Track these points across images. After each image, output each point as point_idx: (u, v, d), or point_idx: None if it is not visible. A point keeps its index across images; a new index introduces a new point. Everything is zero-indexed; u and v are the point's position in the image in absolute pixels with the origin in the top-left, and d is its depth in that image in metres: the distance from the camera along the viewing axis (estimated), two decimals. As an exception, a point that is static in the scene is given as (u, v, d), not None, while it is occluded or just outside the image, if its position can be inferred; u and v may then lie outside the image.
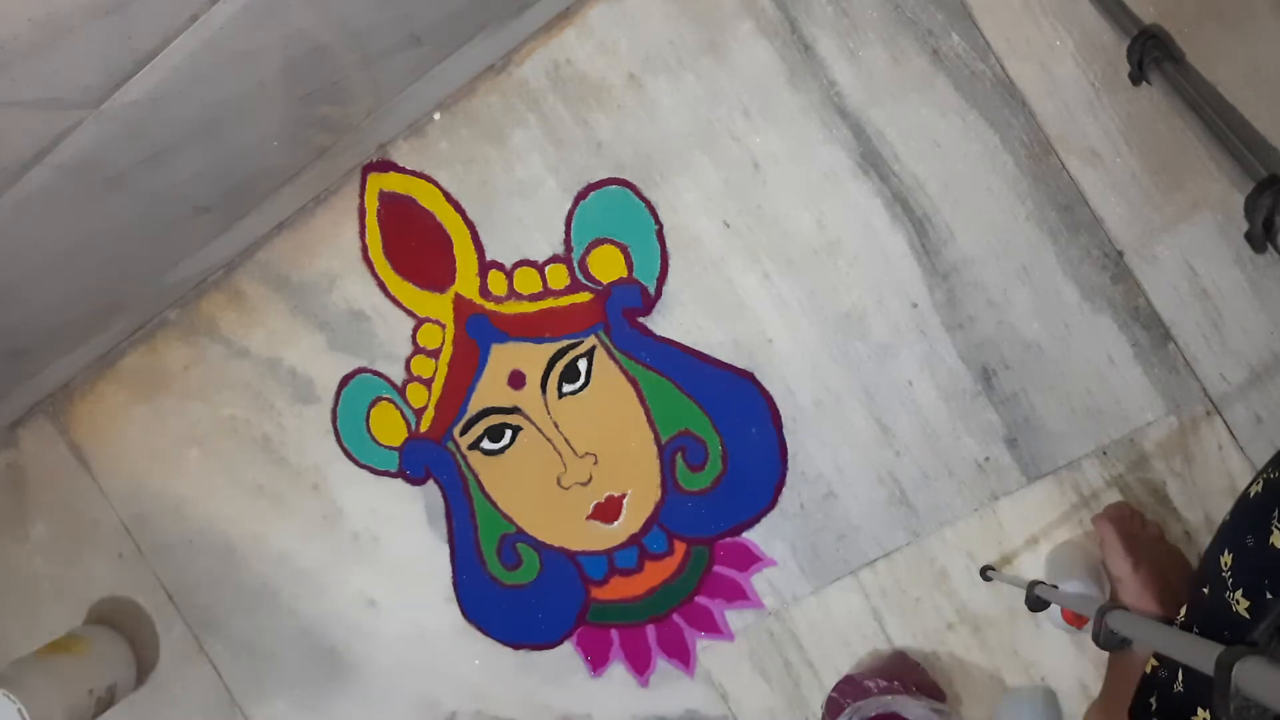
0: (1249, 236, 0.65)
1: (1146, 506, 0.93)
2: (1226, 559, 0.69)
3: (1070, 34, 0.88)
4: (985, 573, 0.95)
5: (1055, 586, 0.83)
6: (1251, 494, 0.68)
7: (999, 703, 0.97)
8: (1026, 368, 0.94)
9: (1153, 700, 0.74)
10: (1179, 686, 0.71)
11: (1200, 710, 0.67)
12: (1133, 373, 0.91)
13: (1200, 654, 0.55)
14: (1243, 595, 0.66)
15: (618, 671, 1.09)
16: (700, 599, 1.05)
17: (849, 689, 0.93)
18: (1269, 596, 0.63)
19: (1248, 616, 0.65)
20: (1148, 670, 0.76)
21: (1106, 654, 0.83)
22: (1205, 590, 0.69)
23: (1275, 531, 0.64)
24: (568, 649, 1.10)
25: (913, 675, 0.97)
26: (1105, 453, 0.93)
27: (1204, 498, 0.91)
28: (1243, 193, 0.65)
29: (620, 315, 1.02)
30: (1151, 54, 0.80)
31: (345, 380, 1.12)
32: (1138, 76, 0.83)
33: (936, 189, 0.93)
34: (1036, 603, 0.82)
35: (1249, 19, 0.85)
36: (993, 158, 0.91)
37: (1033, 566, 0.96)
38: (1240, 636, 0.65)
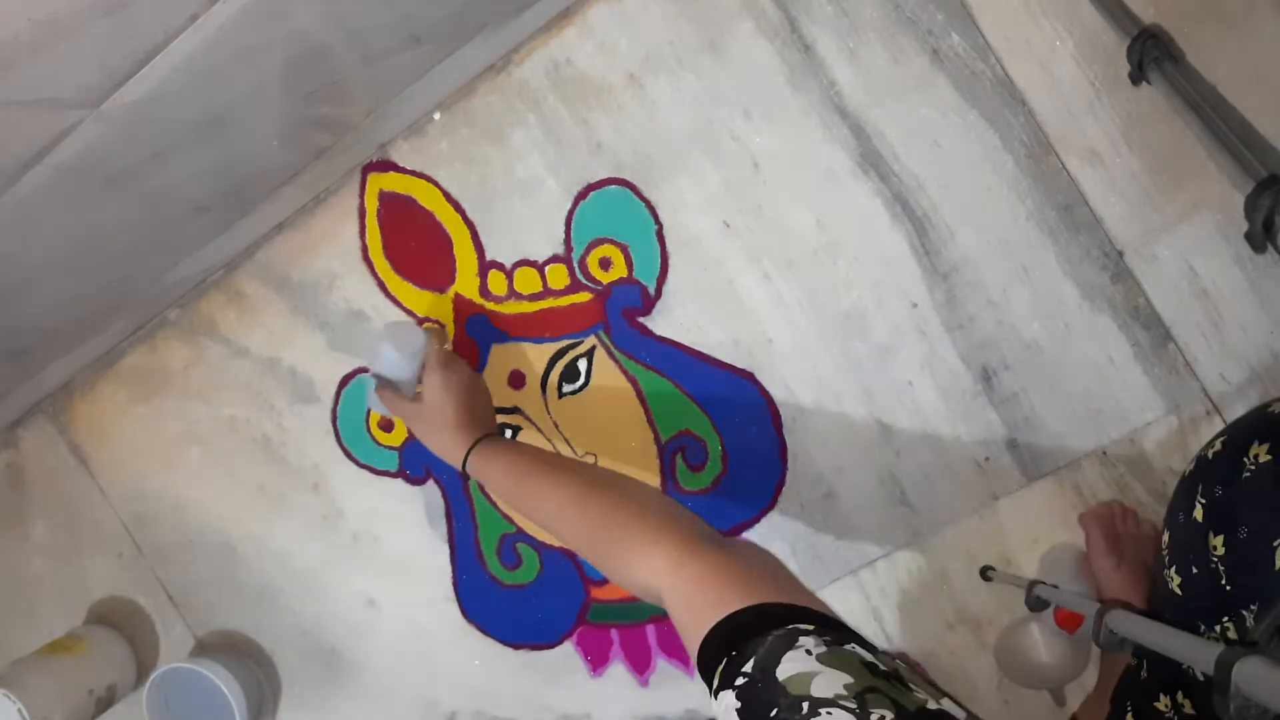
0: (1249, 236, 0.65)
1: (1146, 506, 0.93)
2: (1165, 538, 0.70)
3: (1070, 34, 0.88)
4: (985, 573, 0.95)
5: (1056, 586, 0.83)
6: (1186, 473, 0.70)
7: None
8: (1026, 368, 0.94)
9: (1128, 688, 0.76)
10: (1144, 673, 0.73)
11: (1163, 696, 0.68)
12: (1133, 373, 0.91)
13: (1200, 654, 0.55)
14: (1175, 572, 0.67)
15: (618, 671, 1.09)
16: (700, 599, 1.05)
17: (849, 689, 0.93)
18: (1194, 571, 0.64)
19: (1179, 593, 0.67)
20: (1132, 662, 0.77)
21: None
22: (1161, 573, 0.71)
23: (1198, 505, 0.65)
24: (568, 649, 1.10)
25: (913, 675, 0.97)
26: (1105, 453, 0.93)
27: (1204, 498, 0.91)
28: (1243, 193, 0.65)
29: (620, 315, 1.02)
30: (1151, 54, 0.80)
31: (345, 380, 1.12)
32: (1138, 76, 0.83)
33: (936, 189, 0.93)
34: (1036, 603, 0.82)
35: (1249, 19, 0.85)
36: (993, 158, 0.91)
37: (1033, 566, 0.96)
38: (1174, 613, 0.67)
